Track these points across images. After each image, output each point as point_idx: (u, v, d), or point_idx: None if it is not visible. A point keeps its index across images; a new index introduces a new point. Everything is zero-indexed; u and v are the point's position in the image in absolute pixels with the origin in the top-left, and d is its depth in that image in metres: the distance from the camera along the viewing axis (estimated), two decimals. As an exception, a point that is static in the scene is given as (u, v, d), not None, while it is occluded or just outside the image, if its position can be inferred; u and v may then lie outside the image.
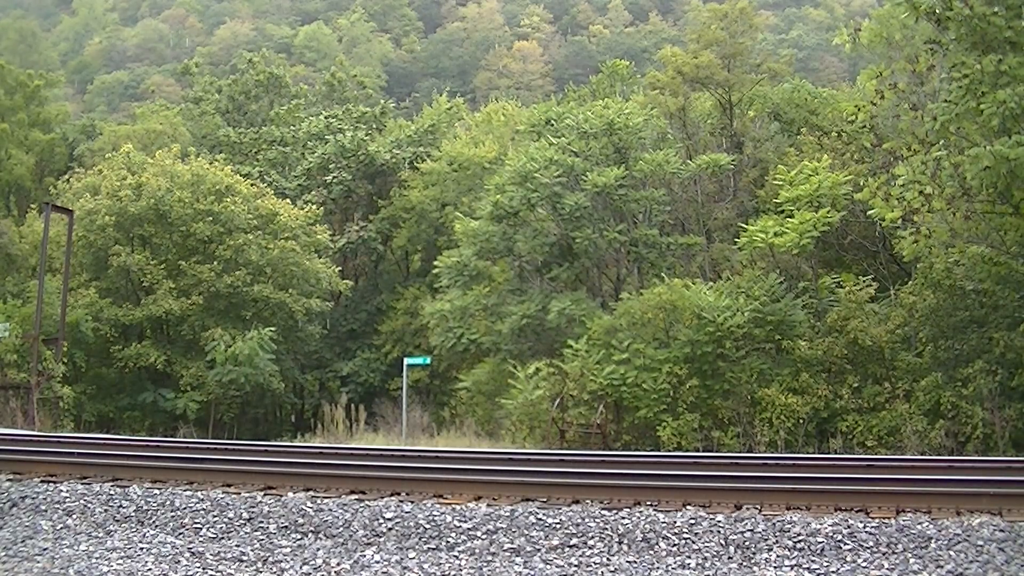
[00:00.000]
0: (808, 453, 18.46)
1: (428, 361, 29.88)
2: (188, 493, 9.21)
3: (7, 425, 22.74)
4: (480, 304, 28.77)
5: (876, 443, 19.97)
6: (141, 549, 8.07)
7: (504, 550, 7.63)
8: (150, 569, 7.60)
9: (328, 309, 37.23)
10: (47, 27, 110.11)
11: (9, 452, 11.25)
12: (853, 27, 20.35)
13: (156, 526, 8.64)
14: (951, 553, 6.96)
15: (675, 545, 7.46)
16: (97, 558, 7.88)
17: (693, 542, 7.46)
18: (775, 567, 7.04)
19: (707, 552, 7.33)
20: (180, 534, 8.42)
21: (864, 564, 6.96)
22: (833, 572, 6.89)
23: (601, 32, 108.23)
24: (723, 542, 7.41)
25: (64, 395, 27.61)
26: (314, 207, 37.29)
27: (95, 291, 32.54)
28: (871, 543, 7.18)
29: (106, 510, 8.97)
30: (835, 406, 21.06)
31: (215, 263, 32.88)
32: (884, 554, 7.06)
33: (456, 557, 7.59)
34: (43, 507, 9.15)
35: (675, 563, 7.22)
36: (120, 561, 7.80)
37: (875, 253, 26.13)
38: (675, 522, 7.72)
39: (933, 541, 7.12)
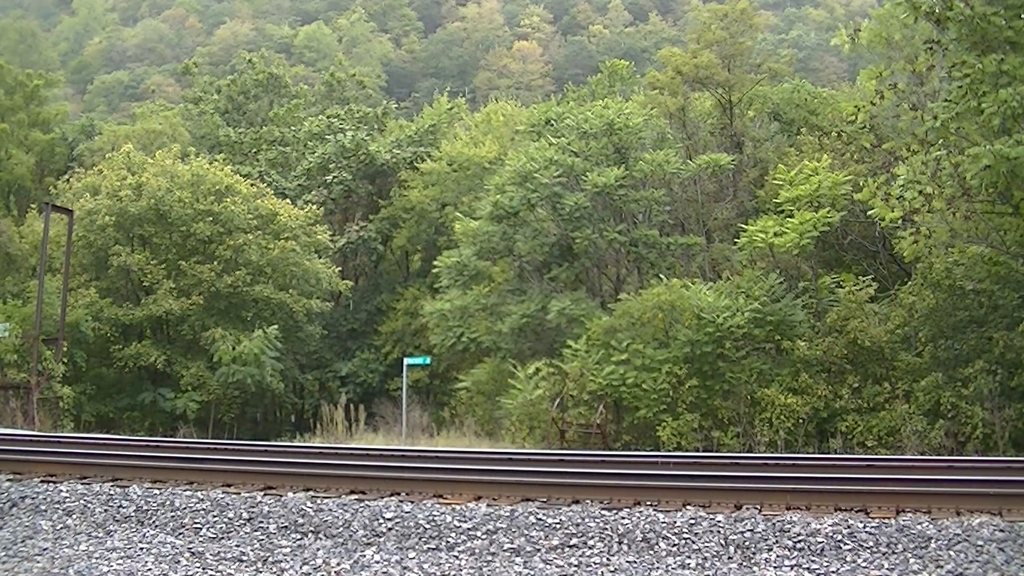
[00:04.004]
0: (808, 453, 18.46)
1: (428, 361, 29.87)
2: (188, 493, 9.21)
3: (7, 425, 22.74)
4: (480, 304, 28.79)
5: (876, 443, 19.98)
6: (141, 549, 8.07)
7: (504, 550, 7.63)
8: (150, 569, 7.59)
9: (328, 309, 37.23)
10: (47, 27, 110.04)
11: (9, 452, 11.25)
12: (852, 27, 20.32)
13: (156, 526, 8.63)
14: (951, 553, 6.96)
15: (675, 545, 7.45)
16: (97, 558, 7.88)
17: (693, 542, 7.46)
18: (775, 567, 7.03)
19: (707, 552, 7.33)
20: (180, 534, 8.42)
21: (864, 564, 6.95)
22: (833, 572, 6.88)
23: (601, 32, 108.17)
24: (723, 542, 7.40)
25: (64, 395, 27.60)
26: (314, 207, 37.28)
27: (95, 291, 32.54)
28: (871, 543, 7.18)
29: (106, 510, 8.96)
30: (835, 406, 21.07)
31: (215, 263, 32.88)
32: (884, 554, 7.05)
33: (456, 557, 7.59)
34: (43, 507, 9.15)
35: (675, 563, 7.22)
36: (120, 561, 7.79)
37: (875, 253, 26.14)
38: (675, 522, 7.72)
39: (933, 541, 7.11)
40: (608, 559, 7.35)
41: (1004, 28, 16.03)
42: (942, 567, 6.81)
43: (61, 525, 8.76)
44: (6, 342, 27.08)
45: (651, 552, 7.42)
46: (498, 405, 25.03)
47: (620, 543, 7.57)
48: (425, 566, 7.42)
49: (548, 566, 7.30)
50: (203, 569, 7.56)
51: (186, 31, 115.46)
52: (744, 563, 7.15)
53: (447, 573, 7.29)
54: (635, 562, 7.27)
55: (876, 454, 18.45)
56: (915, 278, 21.88)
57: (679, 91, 31.86)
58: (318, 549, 7.89)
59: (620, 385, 22.05)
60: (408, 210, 39.67)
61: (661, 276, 25.64)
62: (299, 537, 8.17)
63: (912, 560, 6.94)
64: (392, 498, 8.85)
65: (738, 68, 31.86)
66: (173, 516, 8.74)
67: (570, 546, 7.61)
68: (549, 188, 27.48)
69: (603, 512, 8.03)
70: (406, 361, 27.66)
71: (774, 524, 7.53)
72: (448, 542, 7.83)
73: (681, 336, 22.23)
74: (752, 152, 31.81)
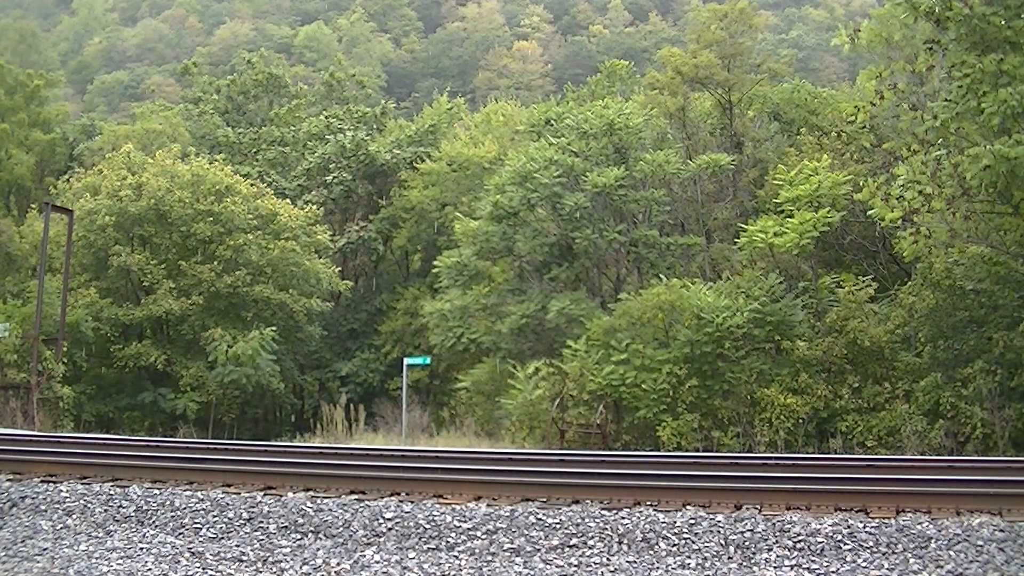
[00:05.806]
0: (808, 453, 18.46)
1: (428, 361, 29.88)
2: (188, 493, 9.21)
3: (7, 425, 22.73)
4: (480, 304, 28.78)
5: (876, 443, 19.98)
6: (141, 549, 8.07)
7: (504, 550, 7.63)
8: (150, 569, 7.59)
9: (328, 309, 37.23)
10: (47, 27, 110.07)
11: (9, 452, 11.25)
12: (852, 28, 20.32)
13: (156, 526, 8.64)
14: (951, 553, 6.96)
15: (675, 545, 7.45)
16: (97, 558, 7.88)
17: (693, 542, 7.46)
18: (775, 567, 7.03)
19: (707, 552, 7.33)
20: (180, 534, 8.42)
21: (864, 564, 6.95)
22: (833, 572, 6.88)
23: (601, 32, 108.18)
24: (723, 542, 7.40)
25: (64, 395, 27.59)
26: (314, 207, 37.29)
27: (95, 291, 32.53)
28: (871, 543, 7.18)
29: (106, 510, 8.96)
30: (835, 406, 21.07)
31: (215, 263, 32.88)
32: (884, 554, 7.05)
33: (456, 557, 7.59)
34: (43, 507, 9.15)
35: (675, 563, 7.22)
36: (120, 561, 7.79)
37: (875, 253, 26.14)
38: (675, 522, 7.72)
39: (933, 541, 7.11)
40: (608, 559, 7.35)
41: (1004, 28, 16.03)
42: (942, 567, 6.81)
43: (61, 525, 8.76)
44: (6, 342, 27.07)
45: (651, 552, 7.42)
46: (498, 405, 25.03)
47: (620, 543, 7.57)
48: (425, 566, 7.42)
49: (548, 566, 7.30)
50: (203, 569, 7.56)
51: (186, 31, 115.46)
52: (744, 563, 7.15)
53: (447, 573, 7.29)
54: (635, 562, 7.27)
55: (876, 454, 18.45)
56: (915, 278, 21.88)
57: (679, 91, 31.85)
58: (318, 549, 7.90)
59: (620, 385, 22.04)
60: (408, 210, 39.69)
61: (661, 276, 25.63)
62: (299, 537, 8.17)
63: (912, 560, 6.94)
64: (392, 498, 8.86)
65: (738, 68, 31.84)
66: (173, 516, 8.74)
67: (570, 546, 7.61)
68: (549, 188, 27.48)
69: (603, 512, 8.03)
70: (406, 361, 27.66)
71: (774, 524, 7.53)
72: (448, 542, 7.83)
73: (681, 336, 22.22)
74: (752, 152, 31.80)
